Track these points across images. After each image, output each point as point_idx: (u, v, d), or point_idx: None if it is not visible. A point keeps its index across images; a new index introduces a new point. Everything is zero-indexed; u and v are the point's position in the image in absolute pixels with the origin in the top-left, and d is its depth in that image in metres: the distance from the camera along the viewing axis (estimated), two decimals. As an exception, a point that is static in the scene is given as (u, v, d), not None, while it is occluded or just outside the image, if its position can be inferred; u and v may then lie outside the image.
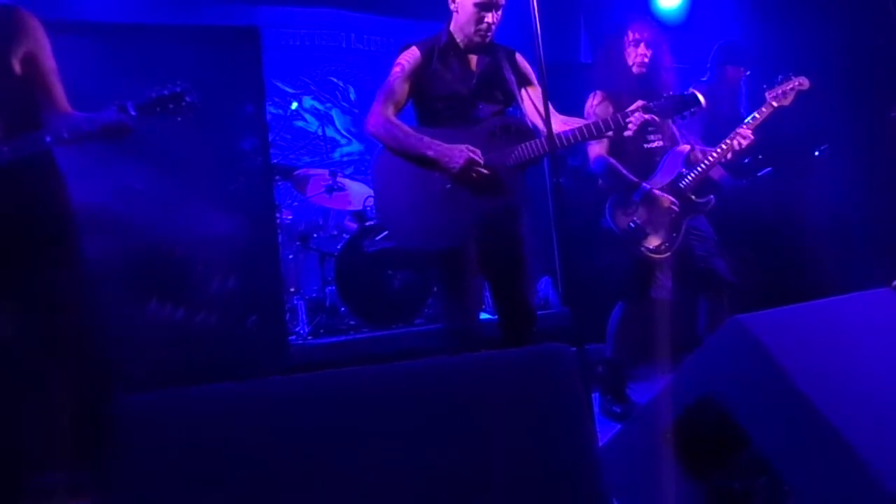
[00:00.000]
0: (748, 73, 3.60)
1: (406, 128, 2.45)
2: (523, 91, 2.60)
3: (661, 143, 3.16)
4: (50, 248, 2.00)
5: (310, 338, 3.98)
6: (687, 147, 3.14)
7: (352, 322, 4.08)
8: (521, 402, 1.56)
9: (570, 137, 2.41)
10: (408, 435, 1.48)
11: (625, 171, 3.08)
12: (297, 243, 4.39)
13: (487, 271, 2.58)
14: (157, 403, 1.38)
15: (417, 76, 2.51)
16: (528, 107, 2.57)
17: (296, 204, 4.78)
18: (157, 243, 3.20)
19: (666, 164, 3.13)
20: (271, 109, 4.92)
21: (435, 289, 3.48)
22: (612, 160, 3.10)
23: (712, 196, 3.11)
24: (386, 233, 4.01)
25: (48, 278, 1.95)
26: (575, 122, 2.49)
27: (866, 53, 3.92)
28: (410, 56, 2.52)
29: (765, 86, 3.06)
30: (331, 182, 4.38)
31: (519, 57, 2.64)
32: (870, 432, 1.35)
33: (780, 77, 3.04)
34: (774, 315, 1.63)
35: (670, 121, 3.15)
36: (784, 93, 3.02)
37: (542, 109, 2.52)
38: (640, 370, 3.49)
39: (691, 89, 2.47)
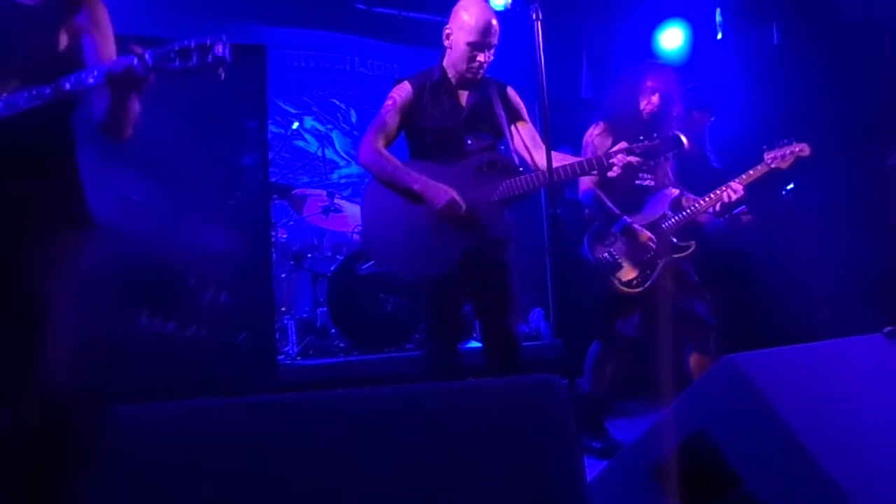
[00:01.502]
0: (713, 119, 3.66)
1: (395, 161, 2.53)
2: (513, 126, 2.66)
3: (652, 182, 3.21)
4: (44, 223, 1.74)
5: (298, 358, 3.96)
6: (676, 191, 3.19)
7: (342, 344, 4.06)
8: (511, 431, 1.55)
9: (559, 174, 2.46)
10: (394, 459, 1.47)
11: (609, 204, 3.12)
12: (291, 263, 4.39)
13: (473, 300, 2.63)
14: (145, 415, 1.37)
15: (408, 110, 2.58)
16: (516, 142, 2.63)
17: (292, 223, 4.77)
18: (152, 255, 3.18)
19: (653, 204, 3.17)
20: (272, 128, 4.93)
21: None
22: (600, 192, 3.14)
23: (693, 242, 3.13)
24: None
25: (26, 275, 1.68)
26: (564, 159, 2.55)
27: (859, 103, 4.00)
28: (402, 90, 2.60)
29: (764, 147, 3.07)
30: (328, 203, 4.39)
31: (510, 91, 2.70)
32: (861, 478, 1.35)
33: (783, 141, 3.04)
34: (767, 356, 1.64)
35: (667, 164, 3.20)
36: (783, 156, 3.02)
37: (530, 145, 2.59)
38: (618, 406, 3.48)
39: (675, 132, 2.52)
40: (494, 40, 2.55)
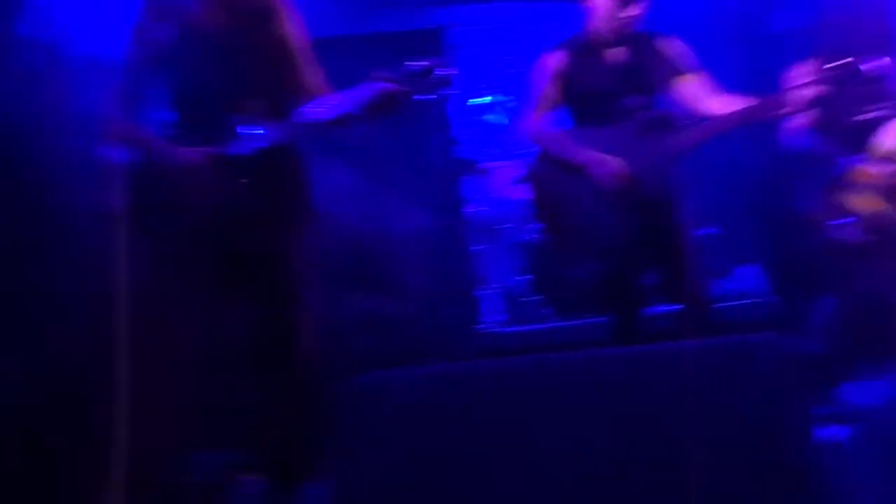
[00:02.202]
0: None
1: (557, 133, 2.56)
2: (673, 78, 2.52)
3: (881, 112, 2.82)
4: (288, 236, 2.02)
5: (501, 326, 4.07)
6: None
7: (543, 311, 4.11)
8: (732, 393, 1.50)
9: (731, 121, 2.32)
10: (610, 421, 1.49)
11: (826, 147, 2.79)
12: (486, 235, 4.51)
13: (653, 265, 2.59)
14: (381, 383, 1.51)
15: (562, 77, 2.56)
16: (678, 94, 2.50)
17: (482, 197, 4.89)
18: (360, 239, 3.45)
19: (884, 137, 2.79)
20: (456, 106, 5.08)
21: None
22: (814, 135, 2.82)
23: None
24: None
25: (282, 266, 1.99)
26: (739, 102, 2.36)
27: None
28: (553, 59, 2.58)
29: None
30: (516, 174, 4.44)
31: (666, 41, 2.55)
32: None
33: None
34: None
35: None
36: None
37: (695, 94, 2.45)
38: (852, 368, 3.17)
39: (853, 59, 2.20)
40: None
